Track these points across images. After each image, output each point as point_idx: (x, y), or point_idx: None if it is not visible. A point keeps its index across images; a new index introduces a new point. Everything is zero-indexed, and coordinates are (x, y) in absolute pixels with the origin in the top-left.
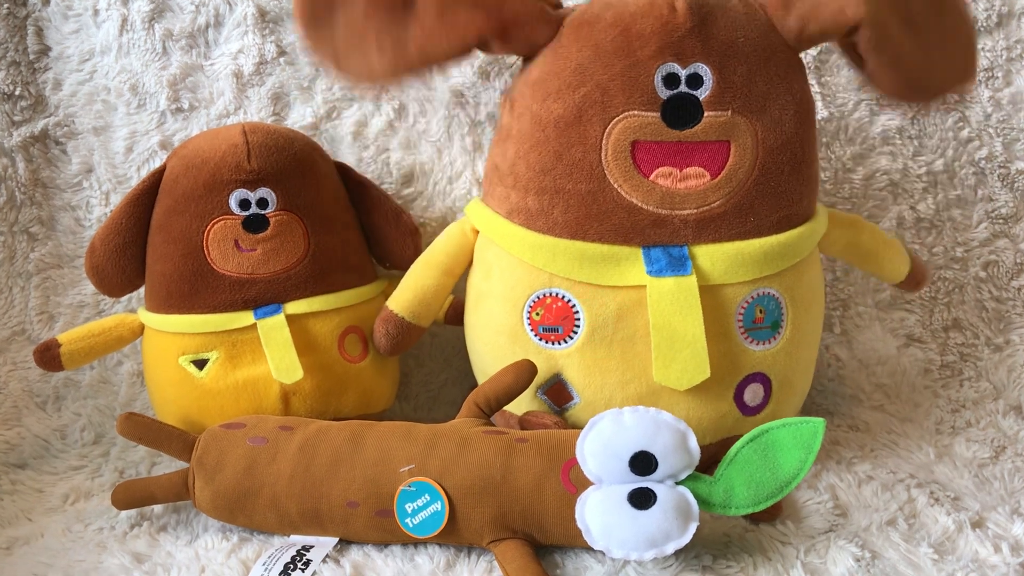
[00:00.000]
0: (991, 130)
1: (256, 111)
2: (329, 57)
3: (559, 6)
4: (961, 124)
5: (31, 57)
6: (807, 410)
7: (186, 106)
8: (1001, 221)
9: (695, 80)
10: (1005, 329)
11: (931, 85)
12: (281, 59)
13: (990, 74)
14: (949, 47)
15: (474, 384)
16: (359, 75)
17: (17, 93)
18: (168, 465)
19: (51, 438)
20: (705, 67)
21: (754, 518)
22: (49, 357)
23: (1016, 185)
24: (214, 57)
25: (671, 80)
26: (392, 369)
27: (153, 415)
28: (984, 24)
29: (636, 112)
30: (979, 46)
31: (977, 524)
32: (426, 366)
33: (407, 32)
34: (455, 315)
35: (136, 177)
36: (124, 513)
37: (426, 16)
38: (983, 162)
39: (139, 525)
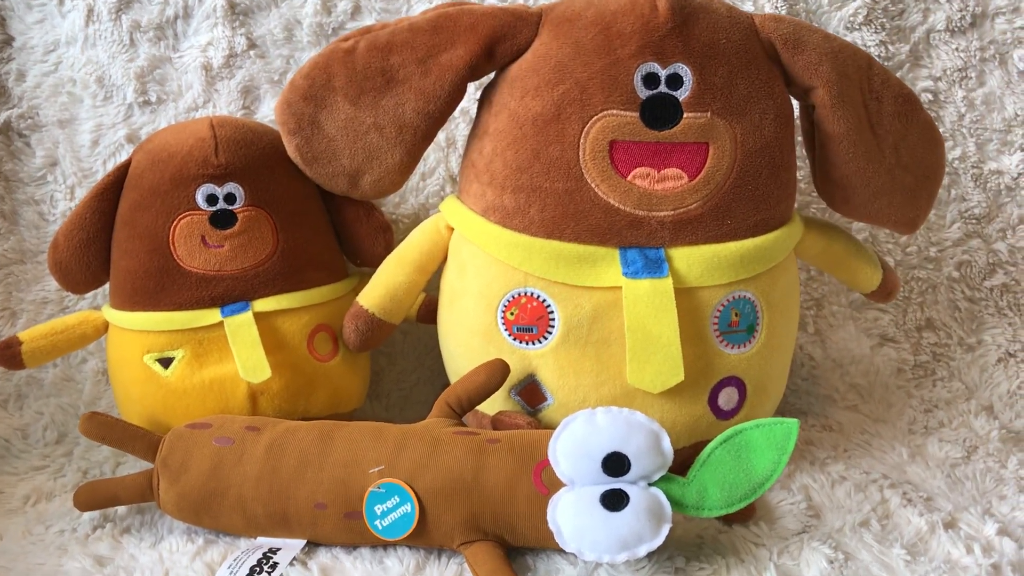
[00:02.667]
0: (964, 130)
1: (226, 104)
2: (344, 180)
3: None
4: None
5: None
6: (780, 410)
7: (154, 99)
8: (974, 221)
9: (675, 80)
10: (978, 329)
11: (868, 198)
12: (251, 52)
13: (964, 74)
14: (901, 172)
15: (447, 383)
16: (382, 177)
17: None
18: (133, 465)
19: (12, 437)
20: (685, 67)
21: (727, 519)
22: (10, 355)
23: (989, 185)
24: (183, 49)
25: (651, 80)
26: (363, 368)
27: (117, 414)
28: (958, 24)
29: (615, 111)
30: (953, 46)
31: (949, 525)
32: (398, 364)
33: (400, 102)
34: (428, 313)
35: (102, 171)
36: (86, 515)
37: (410, 76)
38: (956, 162)
39: (102, 527)
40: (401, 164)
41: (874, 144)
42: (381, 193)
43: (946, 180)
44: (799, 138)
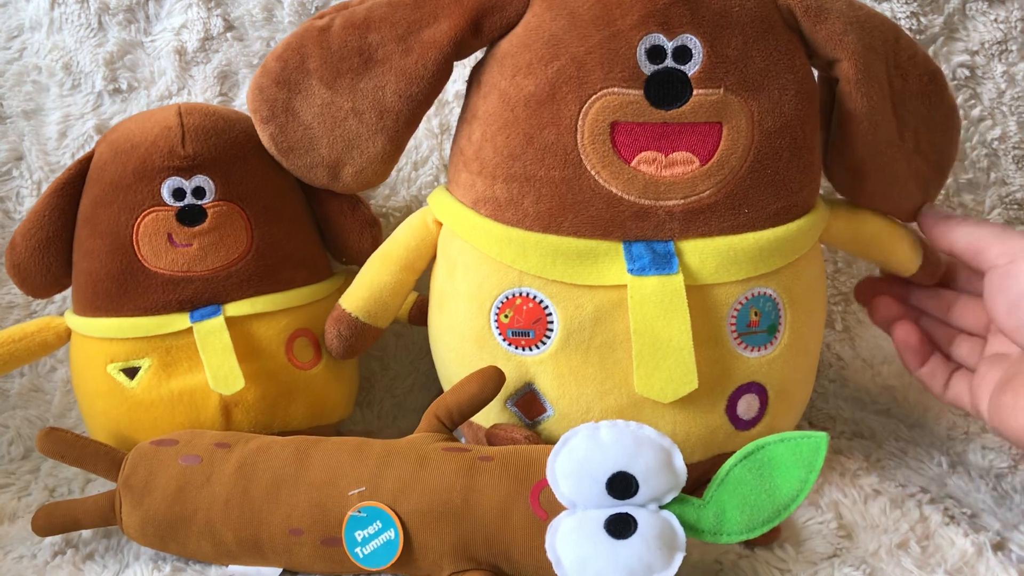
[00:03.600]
0: (1004, 108)
1: (201, 91)
2: (324, 171)
3: None
4: (972, 102)
5: None
6: (806, 415)
7: (124, 87)
8: (1016, 206)
9: (683, 53)
10: None
11: (885, 185)
12: (228, 34)
13: (1003, 47)
14: (918, 157)
15: (442, 391)
16: (364, 168)
17: None
18: (104, 484)
19: None
20: (694, 39)
21: (750, 543)
22: None
23: None
24: (155, 33)
25: (656, 53)
26: (349, 375)
27: (85, 429)
28: None
29: (616, 89)
30: (992, 17)
31: (998, 546)
32: (391, 369)
33: (380, 84)
34: (420, 314)
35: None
36: (48, 539)
37: (390, 56)
38: (996, 143)
39: (63, 553)
40: (384, 153)
41: (895, 126)
42: (364, 185)
43: (984, 163)
44: None
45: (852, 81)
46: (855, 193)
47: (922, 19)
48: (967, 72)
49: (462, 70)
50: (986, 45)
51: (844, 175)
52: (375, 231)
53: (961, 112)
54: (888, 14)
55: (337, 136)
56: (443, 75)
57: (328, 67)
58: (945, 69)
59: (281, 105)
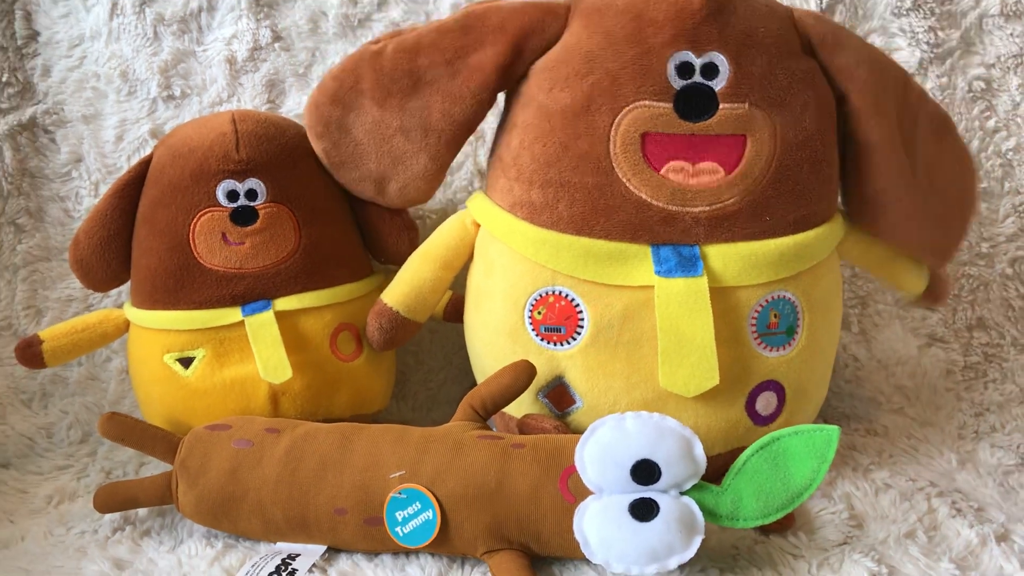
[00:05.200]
0: (1019, 119)
1: (250, 99)
2: (371, 185)
3: None
4: (988, 113)
5: (19, 43)
6: (823, 413)
7: (178, 93)
8: None
9: (710, 70)
10: None
11: (899, 220)
12: (276, 44)
13: (1019, 61)
14: (933, 198)
15: (475, 383)
16: (408, 184)
17: (4, 80)
18: (157, 466)
19: (36, 436)
20: (721, 56)
21: (765, 529)
22: (31, 354)
23: None
24: (207, 43)
25: (685, 69)
26: (387, 368)
27: (140, 414)
28: (1013, 8)
29: (647, 102)
30: (1008, 31)
31: (1002, 537)
32: (425, 364)
33: (427, 105)
34: (455, 311)
35: (126, 166)
36: (107, 517)
37: (438, 79)
38: (1010, 153)
39: (122, 529)
40: (426, 171)
41: (907, 163)
42: (408, 201)
43: (999, 172)
44: None
45: (863, 112)
46: (876, 227)
47: (939, 33)
48: (983, 84)
49: None
50: (1002, 58)
51: (863, 208)
52: (412, 234)
53: (976, 123)
54: (907, 28)
55: (384, 152)
56: (487, 98)
57: (380, 88)
58: (961, 82)
59: (335, 122)
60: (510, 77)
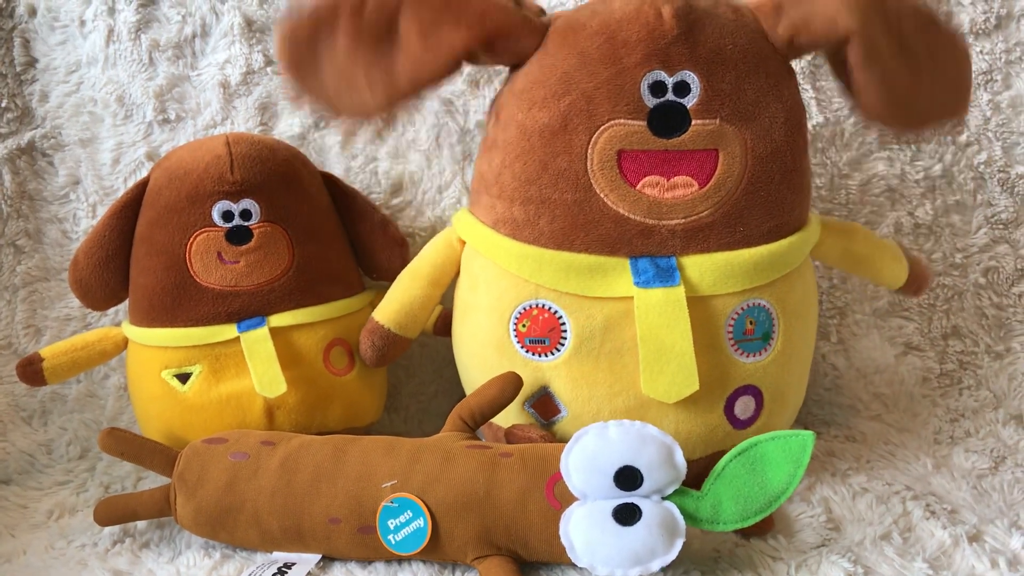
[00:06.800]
0: (990, 134)
1: (243, 121)
2: (322, 101)
3: (543, 13)
4: (960, 128)
5: (17, 69)
6: (803, 420)
7: (173, 117)
8: (1001, 226)
9: (682, 88)
10: (1006, 336)
11: (918, 111)
12: (268, 69)
13: (989, 77)
14: (940, 75)
15: (464, 395)
16: (354, 113)
17: (3, 105)
18: (154, 480)
19: (37, 453)
20: (692, 75)
21: (745, 532)
22: (32, 372)
23: (1016, 190)
24: (201, 67)
25: (658, 88)
26: (379, 382)
27: (138, 430)
28: (983, 27)
29: (622, 121)
30: (977, 49)
31: (974, 538)
32: (416, 377)
33: (394, 63)
34: (444, 326)
35: (123, 189)
36: (107, 529)
37: (410, 43)
38: (982, 167)
39: (121, 542)
40: (378, 107)
41: (906, 70)
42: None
43: (971, 185)
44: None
45: (858, 60)
46: (899, 124)
47: None
48: (946, 127)
49: (483, 102)
50: (973, 76)
51: (882, 113)
52: (404, 251)
53: (948, 138)
54: None
55: (343, 85)
56: (450, 73)
57: (355, 28)
58: None
59: (307, 50)
60: (476, 62)
